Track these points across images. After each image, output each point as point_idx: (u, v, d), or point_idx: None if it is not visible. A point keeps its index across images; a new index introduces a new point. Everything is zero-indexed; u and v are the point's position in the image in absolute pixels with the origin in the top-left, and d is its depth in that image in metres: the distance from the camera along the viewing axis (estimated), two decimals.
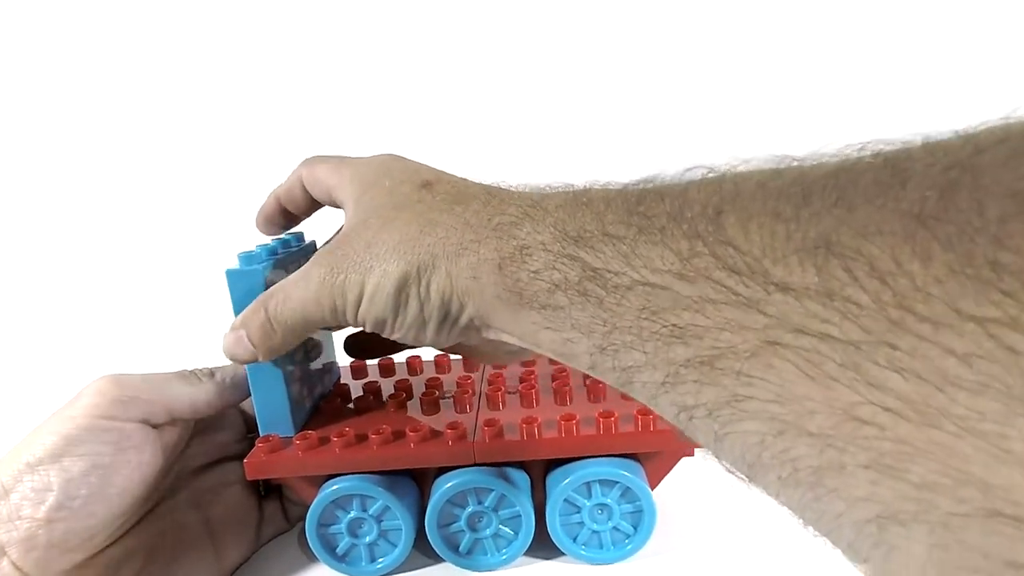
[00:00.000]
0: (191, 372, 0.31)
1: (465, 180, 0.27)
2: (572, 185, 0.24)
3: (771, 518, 0.34)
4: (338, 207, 0.31)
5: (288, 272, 0.32)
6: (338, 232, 0.28)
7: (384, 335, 0.26)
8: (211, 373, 0.32)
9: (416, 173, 0.27)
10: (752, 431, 0.15)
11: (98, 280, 0.60)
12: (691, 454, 0.33)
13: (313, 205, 0.33)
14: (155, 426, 0.29)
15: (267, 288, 0.29)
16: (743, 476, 0.17)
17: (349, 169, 0.29)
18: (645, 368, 0.18)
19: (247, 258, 0.30)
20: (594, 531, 0.31)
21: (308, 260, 0.35)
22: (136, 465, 0.27)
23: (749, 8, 0.57)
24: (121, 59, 0.55)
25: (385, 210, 0.26)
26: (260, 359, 0.28)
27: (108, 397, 0.28)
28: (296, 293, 0.27)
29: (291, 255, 0.33)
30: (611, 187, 0.22)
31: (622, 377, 0.19)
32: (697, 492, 0.37)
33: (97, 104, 0.56)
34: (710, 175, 0.19)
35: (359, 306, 0.25)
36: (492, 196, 0.24)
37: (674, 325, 0.17)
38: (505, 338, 0.24)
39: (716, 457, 0.18)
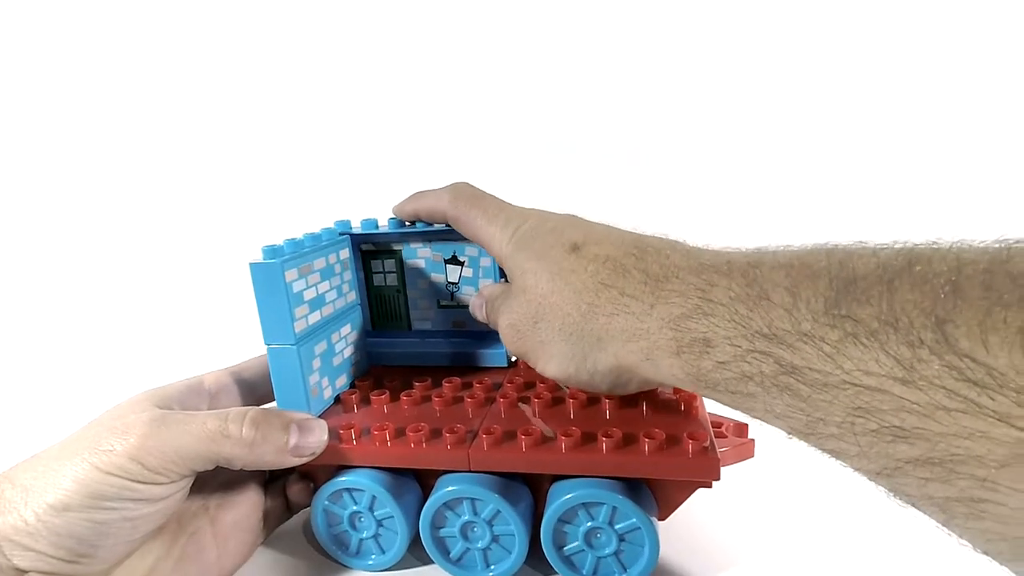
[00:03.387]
0: (221, 425, 0.29)
1: (610, 235, 0.29)
2: (729, 251, 0.25)
3: (784, 554, 0.32)
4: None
5: (314, 267, 0.34)
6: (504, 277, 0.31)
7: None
8: (238, 423, 0.29)
9: (563, 234, 0.30)
10: (993, 531, 0.16)
11: (126, 272, 0.64)
12: (708, 486, 0.30)
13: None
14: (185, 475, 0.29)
15: (286, 279, 0.31)
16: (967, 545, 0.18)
17: (498, 227, 0.32)
18: (857, 457, 0.19)
19: (270, 251, 0.31)
20: (588, 555, 0.30)
21: (338, 254, 0.36)
22: (161, 511, 0.28)
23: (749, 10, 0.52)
24: (136, 59, 0.58)
25: (541, 279, 0.29)
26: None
27: (149, 452, 0.27)
28: (503, 326, 0.32)
29: (319, 250, 0.34)
30: (776, 267, 0.22)
31: (827, 454, 0.20)
32: (710, 524, 0.35)
33: (122, 105, 0.59)
34: (913, 267, 0.18)
35: (538, 366, 0.30)
36: (648, 276, 0.26)
37: (895, 427, 0.17)
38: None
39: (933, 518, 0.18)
